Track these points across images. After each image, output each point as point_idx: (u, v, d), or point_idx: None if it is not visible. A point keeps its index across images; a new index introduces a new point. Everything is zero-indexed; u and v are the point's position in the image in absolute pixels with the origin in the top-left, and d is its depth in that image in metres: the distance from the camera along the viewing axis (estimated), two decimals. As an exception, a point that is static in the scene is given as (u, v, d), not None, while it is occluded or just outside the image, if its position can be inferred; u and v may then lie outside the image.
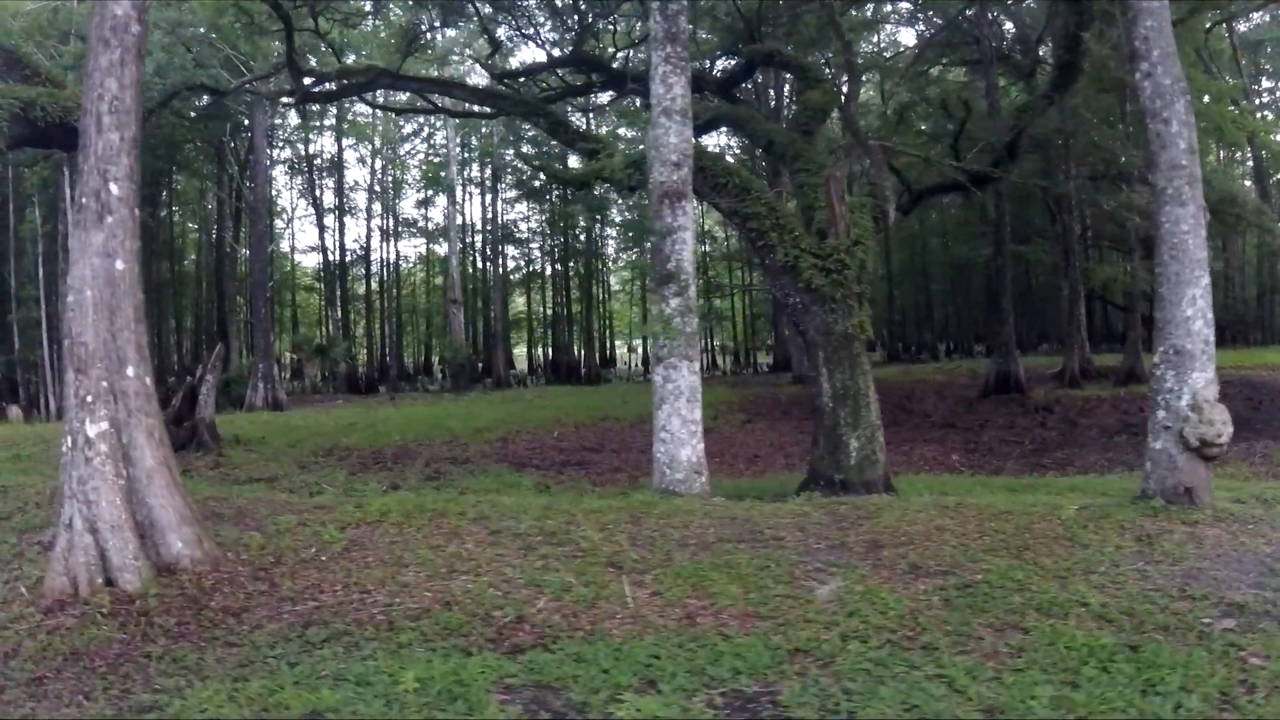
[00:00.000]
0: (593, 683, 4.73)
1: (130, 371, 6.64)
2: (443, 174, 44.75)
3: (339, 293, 41.42)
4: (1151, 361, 8.27)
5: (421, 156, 47.89)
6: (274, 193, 42.55)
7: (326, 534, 7.26)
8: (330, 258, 41.58)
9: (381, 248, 47.73)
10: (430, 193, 47.74)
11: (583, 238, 47.93)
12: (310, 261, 52.02)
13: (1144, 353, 27.55)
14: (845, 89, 17.05)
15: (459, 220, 41.02)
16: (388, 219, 47.92)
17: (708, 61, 22.21)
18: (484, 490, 12.10)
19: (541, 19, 18.66)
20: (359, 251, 46.75)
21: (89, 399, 6.42)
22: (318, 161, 43.08)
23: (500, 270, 42.54)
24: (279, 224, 45.21)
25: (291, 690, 4.66)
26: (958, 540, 6.90)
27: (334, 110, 41.77)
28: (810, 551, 6.75)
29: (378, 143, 45.39)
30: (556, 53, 20.21)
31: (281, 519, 7.64)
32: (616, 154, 12.32)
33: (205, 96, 17.60)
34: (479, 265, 48.94)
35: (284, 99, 21.74)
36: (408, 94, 19.86)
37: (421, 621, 5.65)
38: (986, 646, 5.09)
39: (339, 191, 44.27)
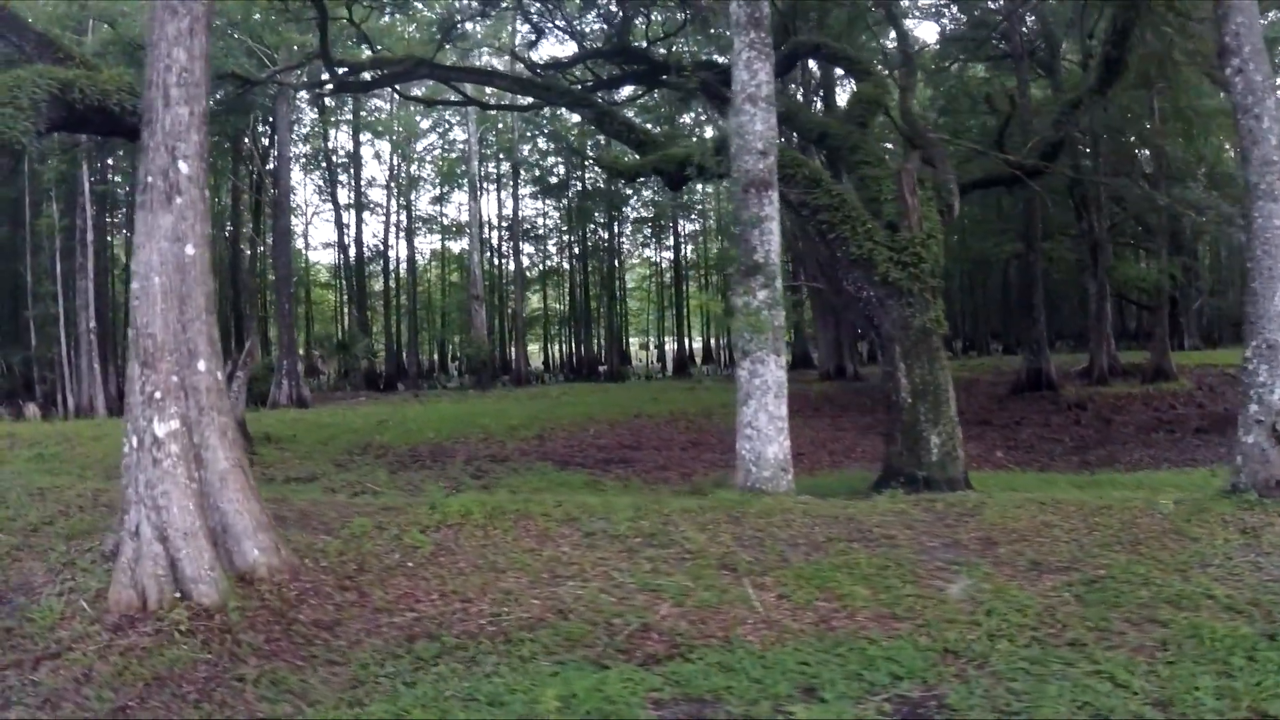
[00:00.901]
0: (747, 693, 4.45)
1: (202, 365, 6.11)
2: (461, 169, 44.25)
3: (357, 289, 40.84)
4: (1243, 356, 8.03)
5: (439, 152, 47.32)
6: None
7: (410, 538, 6.76)
8: (349, 254, 41.06)
9: (398, 244, 47.29)
10: (447, 188, 47.21)
11: (604, 234, 47.34)
12: (323, 258, 51.75)
13: (1171, 350, 27.80)
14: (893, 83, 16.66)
15: (479, 216, 40.42)
16: (400, 215, 47.43)
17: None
18: (534, 489, 11.68)
19: (582, 8, 18.06)
20: (377, 248, 46.29)
21: (157, 395, 5.88)
22: (334, 157, 42.48)
23: (518, 266, 41.87)
24: (295, 220, 44.70)
25: (419, 714, 4.19)
26: (1069, 536, 6.78)
27: (350, 106, 41.29)
28: (926, 550, 6.57)
29: (395, 138, 44.73)
30: (580, 45, 19.71)
31: (355, 522, 7.13)
32: (693, 140, 11.83)
33: (233, 87, 17.00)
34: (495, 262, 48.42)
35: (311, 90, 21.22)
36: (426, 86, 19.39)
37: (538, 632, 5.23)
38: (1131, 641, 4.97)
39: (356, 187, 43.69)
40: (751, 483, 9.03)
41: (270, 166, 34.82)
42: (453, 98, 21.26)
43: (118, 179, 34.10)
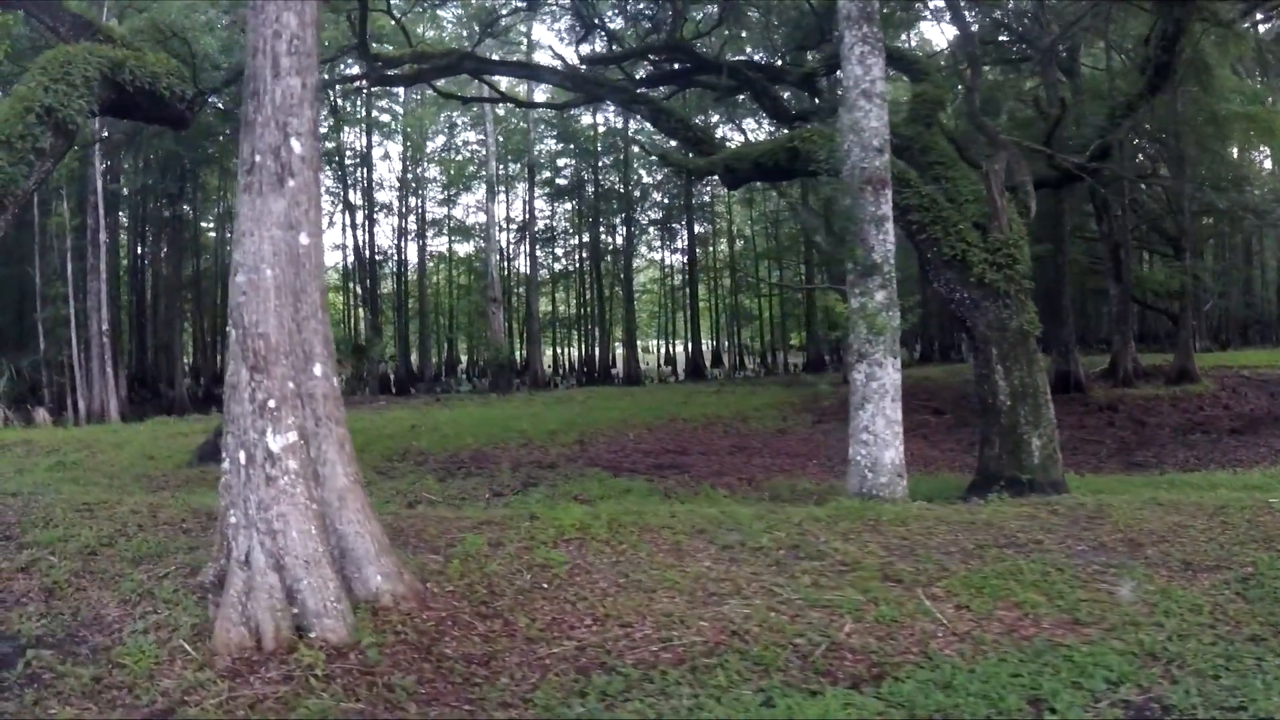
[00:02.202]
0: (977, 710, 4.33)
1: (318, 370, 5.45)
2: (471, 170, 43.65)
3: (369, 292, 40.02)
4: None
5: (449, 153, 46.47)
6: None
7: (537, 556, 6.14)
8: (360, 256, 40.23)
9: (405, 246, 46.45)
10: (456, 190, 46.46)
11: (619, 238, 46.68)
12: (329, 260, 50.77)
13: (1195, 352, 27.62)
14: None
15: (496, 217, 39.69)
16: (408, 218, 46.62)
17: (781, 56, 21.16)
18: (596, 496, 10.98)
19: (635, 3, 17.47)
20: (388, 250, 45.45)
21: (271, 404, 5.20)
22: (347, 156, 41.63)
23: (533, 268, 41.08)
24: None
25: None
26: (1205, 536, 6.85)
27: (361, 105, 40.56)
28: (1075, 553, 6.52)
29: (408, 139, 43.92)
30: (613, 43, 19.10)
31: (467, 539, 6.48)
32: (806, 133, 11.31)
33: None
34: (505, 264, 47.65)
35: (347, 85, 20.51)
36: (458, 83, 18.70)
37: (721, 657, 4.78)
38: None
39: (367, 189, 42.89)
40: (867, 489, 8.83)
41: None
42: (478, 95, 20.55)
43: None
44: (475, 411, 23.66)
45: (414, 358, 44.74)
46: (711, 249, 51.60)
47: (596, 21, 16.72)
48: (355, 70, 17.61)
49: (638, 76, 17.93)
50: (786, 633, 5.09)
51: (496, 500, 11.75)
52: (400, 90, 37.82)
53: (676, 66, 17.02)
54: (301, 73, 5.54)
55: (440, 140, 46.03)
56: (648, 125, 42.62)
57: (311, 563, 5.02)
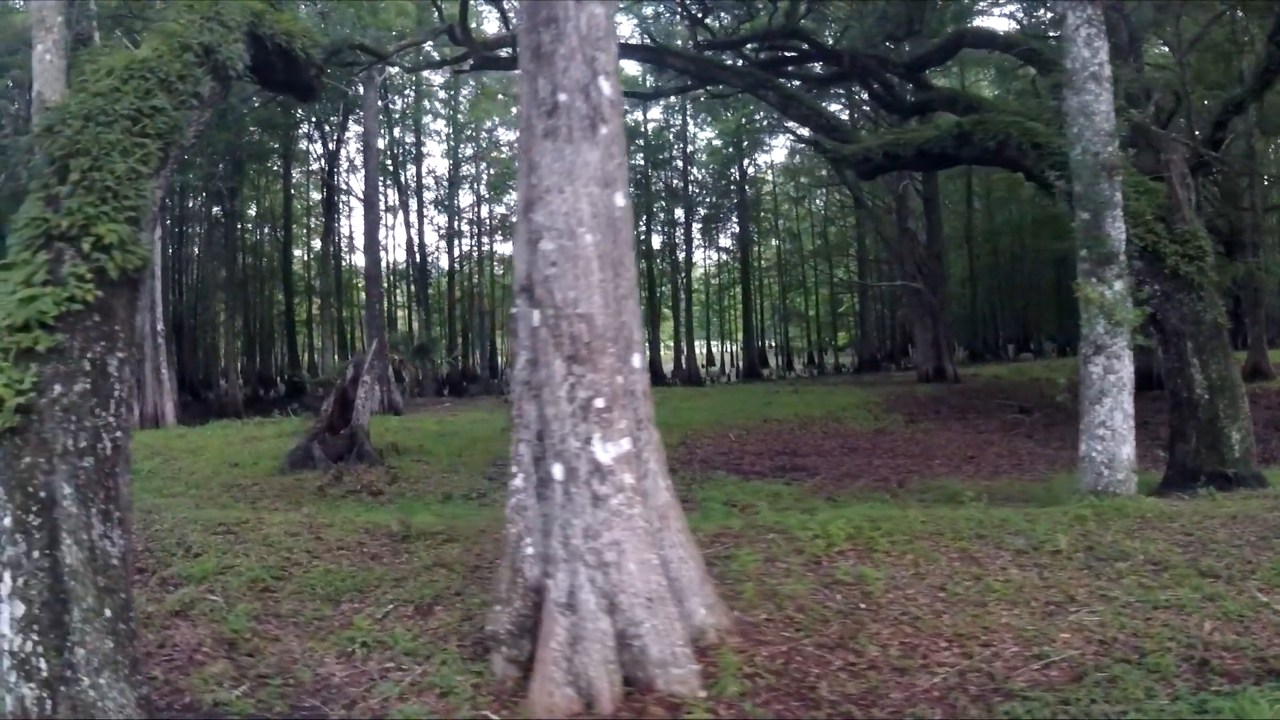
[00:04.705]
0: None
1: (636, 361, 4.74)
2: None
3: (421, 291, 39.50)
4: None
5: (503, 150, 45.86)
6: (345, 186, 40.82)
7: (837, 573, 5.54)
8: (413, 254, 39.78)
9: (456, 245, 45.87)
10: (506, 189, 45.83)
11: (677, 235, 46.02)
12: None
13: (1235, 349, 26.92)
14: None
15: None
16: (459, 218, 46.11)
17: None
18: (737, 501, 10.35)
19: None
20: (443, 248, 44.89)
21: (598, 403, 4.41)
22: (396, 152, 41.13)
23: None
24: (342, 221, 43.42)
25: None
26: None
27: (410, 100, 40.10)
28: None
29: (466, 132, 43.24)
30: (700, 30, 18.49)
31: (740, 555, 5.89)
32: (975, 119, 10.77)
33: (366, 57, 15.67)
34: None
35: (443, 69, 19.88)
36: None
37: (1113, 670, 4.42)
38: None
39: (417, 186, 42.34)
40: (1103, 486, 8.53)
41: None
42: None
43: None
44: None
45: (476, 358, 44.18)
46: (759, 248, 50.92)
47: (710, 4, 16.13)
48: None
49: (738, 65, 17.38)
50: (1156, 637, 4.73)
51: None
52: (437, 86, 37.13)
53: (784, 54, 16.42)
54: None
55: (485, 137, 45.39)
56: (706, 123, 42.52)
57: (655, 601, 4.27)
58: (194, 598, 5.48)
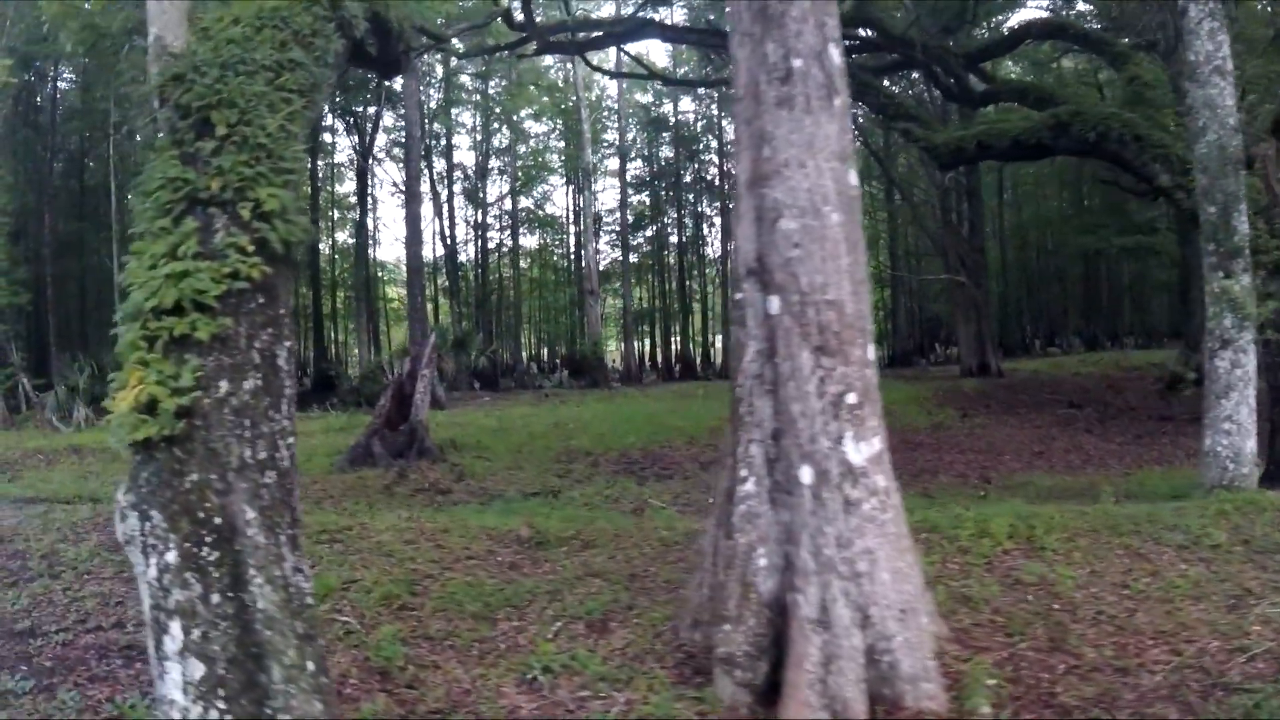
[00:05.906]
0: None
1: (870, 353, 4.39)
2: (555, 158, 42.86)
3: (454, 284, 39.32)
4: None
5: (532, 142, 45.69)
6: (376, 177, 40.66)
7: (1025, 574, 5.41)
8: (446, 246, 39.56)
9: (483, 238, 45.73)
10: (539, 181, 45.68)
11: (710, 228, 45.84)
12: (398, 253, 50.05)
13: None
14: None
15: (592, 206, 38.76)
16: (488, 210, 45.92)
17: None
18: None
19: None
20: (474, 240, 44.73)
21: (850, 399, 4.14)
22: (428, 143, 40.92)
23: (625, 259, 40.21)
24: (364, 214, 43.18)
25: None
26: None
27: (440, 88, 39.82)
28: None
29: (500, 122, 42.99)
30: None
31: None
32: (1071, 110, 10.53)
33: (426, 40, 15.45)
34: (596, 255, 46.82)
35: (505, 54, 19.50)
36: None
37: None
38: None
39: (448, 178, 42.12)
40: (1228, 480, 8.46)
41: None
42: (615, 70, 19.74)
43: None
44: (603, 408, 22.83)
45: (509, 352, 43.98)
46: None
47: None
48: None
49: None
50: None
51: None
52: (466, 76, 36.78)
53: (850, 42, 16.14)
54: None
55: (519, 128, 45.14)
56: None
57: (908, 613, 4.03)
58: (322, 619, 4.87)
